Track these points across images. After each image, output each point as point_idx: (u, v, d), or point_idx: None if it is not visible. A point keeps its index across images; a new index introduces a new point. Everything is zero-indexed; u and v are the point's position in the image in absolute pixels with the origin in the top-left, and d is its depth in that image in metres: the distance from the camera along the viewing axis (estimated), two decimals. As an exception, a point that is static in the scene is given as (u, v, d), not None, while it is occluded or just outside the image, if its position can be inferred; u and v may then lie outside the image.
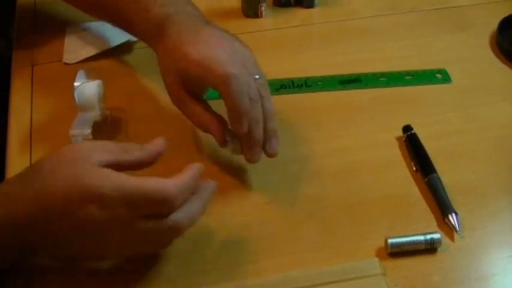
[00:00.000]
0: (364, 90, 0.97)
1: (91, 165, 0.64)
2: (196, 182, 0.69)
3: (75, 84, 0.85)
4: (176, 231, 0.67)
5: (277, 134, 0.81)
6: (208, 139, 0.84)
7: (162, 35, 0.83)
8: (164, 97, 0.86)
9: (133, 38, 1.01)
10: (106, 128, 0.89)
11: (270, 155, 0.81)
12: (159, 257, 0.74)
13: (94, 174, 0.64)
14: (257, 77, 0.80)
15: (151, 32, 0.86)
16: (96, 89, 0.86)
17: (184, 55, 0.78)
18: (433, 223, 0.78)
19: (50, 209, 0.63)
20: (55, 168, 0.65)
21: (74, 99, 0.85)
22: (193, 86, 0.81)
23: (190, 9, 0.88)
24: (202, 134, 0.85)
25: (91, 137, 0.83)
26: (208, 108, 0.81)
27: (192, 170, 0.68)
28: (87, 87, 0.86)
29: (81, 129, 0.84)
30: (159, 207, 0.65)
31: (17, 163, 0.85)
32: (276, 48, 1.06)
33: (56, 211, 0.63)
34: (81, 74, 0.87)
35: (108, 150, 0.67)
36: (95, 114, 0.86)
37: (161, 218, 0.65)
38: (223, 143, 0.80)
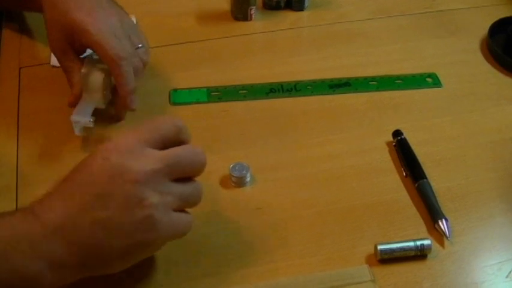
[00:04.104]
0: (354, 95, 0.97)
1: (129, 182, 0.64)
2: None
3: (83, 70, 0.87)
4: (199, 190, 0.69)
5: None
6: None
7: None
8: (159, 95, 0.86)
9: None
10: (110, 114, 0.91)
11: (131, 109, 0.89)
12: (149, 263, 0.73)
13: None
14: (140, 45, 0.89)
15: None
16: (102, 75, 0.86)
17: (77, 23, 0.84)
18: (423, 229, 0.78)
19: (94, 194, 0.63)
20: (89, 184, 0.64)
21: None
22: (77, 47, 0.88)
23: None
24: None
25: (92, 125, 0.84)
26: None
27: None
28: (94, 72, 0.86)
29: (83, 116, 0.84)
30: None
31: (3, 167, 0.84)
32: (265, 51, 1.06)
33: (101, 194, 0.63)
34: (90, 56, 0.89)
35: (139, 153, 0.66)
36: (98, 100, 0.86)
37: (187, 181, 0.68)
38: (71, 104, 0.87)
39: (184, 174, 0.68)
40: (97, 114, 0.86)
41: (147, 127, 0.67)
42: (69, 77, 0.88)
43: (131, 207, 0.63)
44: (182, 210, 0.68)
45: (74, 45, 0.87)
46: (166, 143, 0.67)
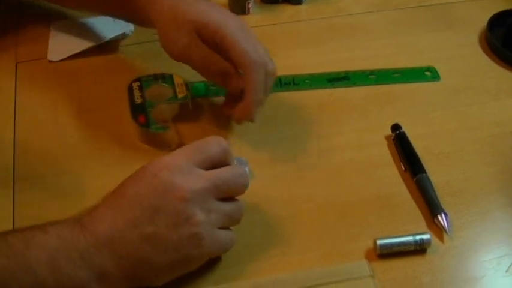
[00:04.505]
0: (352, 88, 0.97)
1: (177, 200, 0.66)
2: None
3: None
4: (241, 208, 0.72)
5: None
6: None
7: None
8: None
9: (119, 32, 1.01)
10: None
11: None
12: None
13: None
14: None
15: None
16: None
17: (212, 22, 0.81)
18: (422, 223, 0.78)
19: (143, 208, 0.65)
20: (138, 200, 0.66)
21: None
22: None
23: None
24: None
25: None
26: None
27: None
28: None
29: None
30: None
31: None
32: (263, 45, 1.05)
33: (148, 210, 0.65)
34: None
35: (189, 172, 0.68)
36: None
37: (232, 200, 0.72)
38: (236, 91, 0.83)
39: (228, 194, 0.70)
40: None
41: (195, 148, 0.70)
42: (217, 66, 0.83)
43: (179, 224, 0.65)
44: (225, 228, 0.70)
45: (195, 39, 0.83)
46: (213, 164, 0.70)
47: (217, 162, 0.70)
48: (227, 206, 0.70)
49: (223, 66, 0.82)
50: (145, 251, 0.64)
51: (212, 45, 0.82)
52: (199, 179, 0.67)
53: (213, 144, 0.71)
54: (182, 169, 0.67)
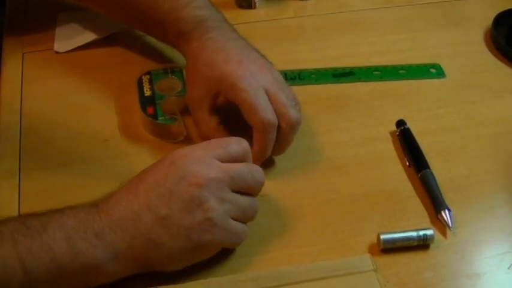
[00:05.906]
0: (357, 84, 0.97)
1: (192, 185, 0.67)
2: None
3: None
4: (256, 205, 0.73)
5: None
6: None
7: (199, 37, 0.85)
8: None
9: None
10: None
11: None
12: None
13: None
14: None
15: (185, 32, 0.87)
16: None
17: (226, 76, 0.80)
18: (425, 219, 0.78)
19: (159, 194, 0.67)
20: (154, 185, 0.68)
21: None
22: (220, 101, 0.84)
23: (221, 16, 0.90)
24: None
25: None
26: (219, 124, 0.84)
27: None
28: None
29: None
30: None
31: (5, 154, 0.84)
32: (269, 40, 1.05)
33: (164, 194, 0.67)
34: None
35: (209, 163, 0.69)
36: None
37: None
38: None
39: (243, 189, 0.71)
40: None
41: (216, 143, 0.73)
42: (198, 128, 0.85)
43: (192, 209, 0.67)
44: (238, 220, 0.71)
45: (215, 98, 0.83)
46: (231, 161, 0.71)
47: (236, 161, 0.71)
48: (241, 199, 0.70)
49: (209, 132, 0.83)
50: (157, 233, 0.66)
51: (229, 99, 0.82)
52: (216, 169, 0.68)
53: (234, 142, 0.72)
54: (200, 159, 0.69)
